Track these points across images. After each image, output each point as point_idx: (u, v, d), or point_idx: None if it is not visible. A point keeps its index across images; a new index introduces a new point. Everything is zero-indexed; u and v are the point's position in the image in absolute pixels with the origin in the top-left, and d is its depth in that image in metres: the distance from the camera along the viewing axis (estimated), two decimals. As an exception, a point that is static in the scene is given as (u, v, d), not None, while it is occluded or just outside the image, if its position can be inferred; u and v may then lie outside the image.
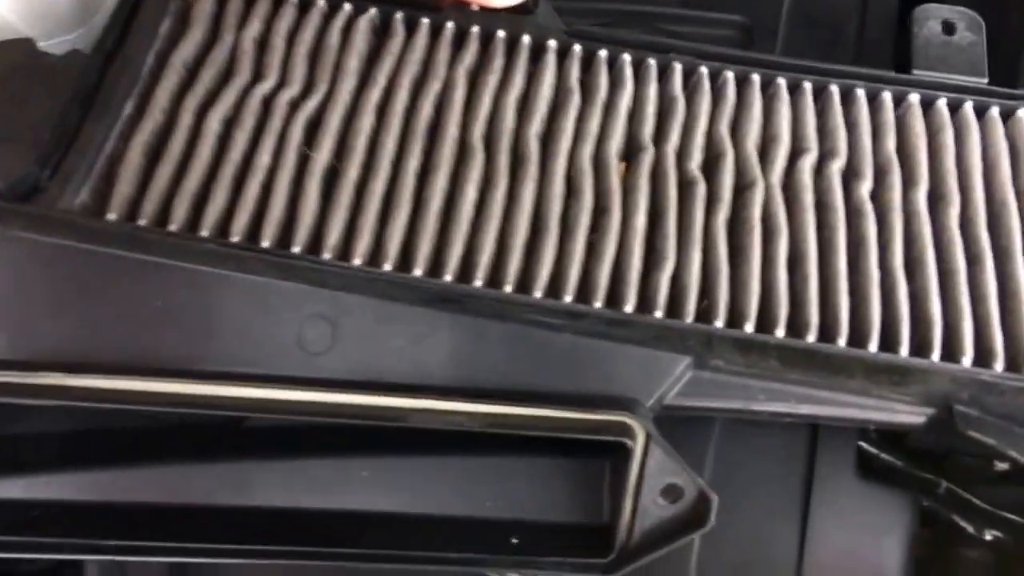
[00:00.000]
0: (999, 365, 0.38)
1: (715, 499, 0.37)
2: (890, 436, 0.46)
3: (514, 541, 0.39)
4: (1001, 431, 0.38)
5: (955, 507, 0.46)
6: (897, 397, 0.38)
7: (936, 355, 0.38)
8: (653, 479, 0.37)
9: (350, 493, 0.40)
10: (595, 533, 0.39)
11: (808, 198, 0.41)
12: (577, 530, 0.39)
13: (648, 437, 0.37)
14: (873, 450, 0.45)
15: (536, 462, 0.40)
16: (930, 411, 0.38)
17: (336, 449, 0.41)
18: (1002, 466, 0.43)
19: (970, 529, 0.47)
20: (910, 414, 0.39)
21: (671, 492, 0.37)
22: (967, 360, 0.38)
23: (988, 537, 0.47)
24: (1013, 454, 0.37)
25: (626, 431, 0.37)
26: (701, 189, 0.41)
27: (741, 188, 0.42)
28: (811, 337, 0.38)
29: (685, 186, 0.42)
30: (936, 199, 0.42)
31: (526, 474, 0.40)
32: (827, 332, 0.39)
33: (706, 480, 0.39)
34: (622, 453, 0.37)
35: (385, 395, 0.37)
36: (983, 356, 0.39)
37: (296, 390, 0.38)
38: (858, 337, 0.39)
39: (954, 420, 0.38)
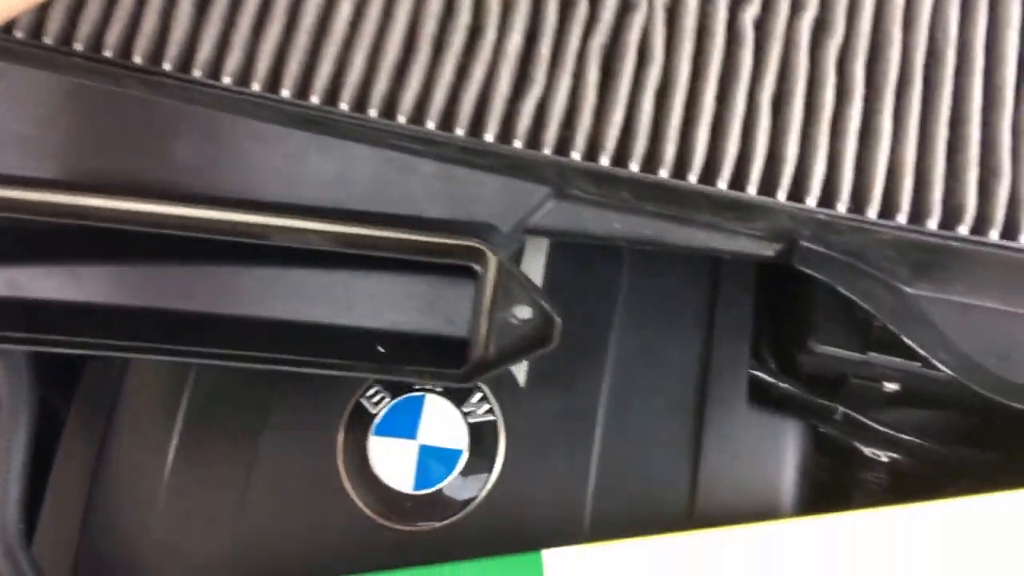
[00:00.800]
0: (843, 205, 0.38)
1: (559, 321, 0.39)
2: (787, 365, 0.47)
3: (381, 350, 0.41)
4: (840, 270, 0.38)
5: (852, 432, 0.48)
6: (746, 231, 0.39)
7: (783, 193, 0.38)
8: (505, 302, 0.39)
9: (237, 301, 0.42)
10: (455, 347, 0.40)
11: (690, 23, 0.40)
12: (439, 343, 0.41)
13: (500, 263, 0.38)
14: (769, 379, 0.46)
15: (407, 279, 0.42)
16: (778, 246, 0.39)
17: (222, 260, 0.42)
18: (891, 387, 0.44)
19: (867, 452, 0.49)
20: (759, 247, 0.39)
21: (522, 314, 0.39)
22: (812, 199, 0.38)
23: (884, 459, 0.49)
24: (842, 289, 0.38)
25: (477, 256, 0.38)
26: (582, 10, 0.41)
27: (623, 10, 0.41)
28: (664, 172, 0.39)
29: (566, 6, 0.41)
30: (820, 28, 0.41)
31: (396, 291, 0.42)
32: (681, 167, 0.39)
33: (603, 415, 0.42)
34: (484, 280, 0.39)
35: (247, 213, 0.39)
36: (830, 195, 0.39)
37: (169, 205, 0.39)
38: (711, 172, 0.39)
39: (794, 255, 0.38)
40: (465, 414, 0.44)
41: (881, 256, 0.38)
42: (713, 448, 0.43)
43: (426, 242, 0.38)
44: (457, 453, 0.43)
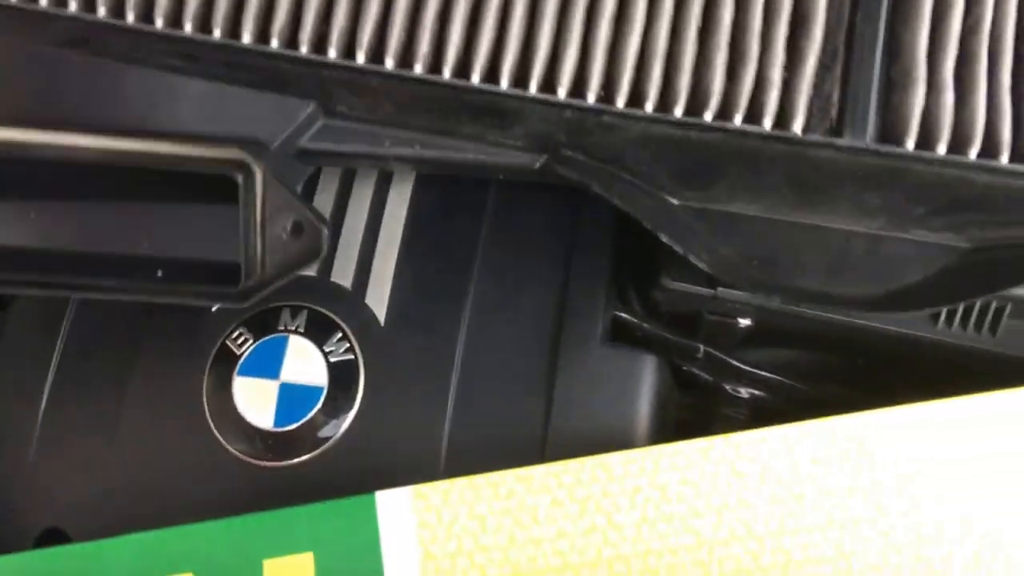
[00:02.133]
0: (592, 95, 0.39)
1: (326, 229, 0.40)
2: (647, 305, 0.48)
3: (160, 274, 0.42)
4: (600, 175, 0.39)
5: (714, 370, 0.49)
6: (508, 142, 0.40)
7: (535, 84, 0.39)
8: (276, 216, 0.40)
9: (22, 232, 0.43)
10: (235, 268, 0.41)
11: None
12: (219, 266, 0.42)
13: (266, 175, 0.39)
14: (634, 320, 0.47)
15: (187, 208, 0.44)
16: (541, 157, 0.40)
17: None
18: (744, 322, 0.45)
19: (728, 389, 0.50)
20: (524, 160, 0.40)
21: (293, 228, 0.40)
22: (563, 90, 0.39)
23: (745, 395, 0.50)
24: (602, 192, 0.39)
25: (242, 168, 0.39)
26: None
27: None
28: (419, 67, 0.40)
29: None
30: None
31: (177, 218, 0.44)
32: (437, 62, 0.40)
33: (460, 354, 0.44)
34: (251, 195, 0.39)
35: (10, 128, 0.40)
36: (580, 86, 0.39)
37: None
38: (464, 67, 0.40)
39: (552, 161, 0.39)
40: (326, 353, 0.45)
41: (639, 160, 0.39)
42: (566, 385, 0.44)
43: (189, 155, 0.39)
44: (318, 391, 0.44)
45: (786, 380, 0.49)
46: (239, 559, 0.38)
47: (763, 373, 0.49)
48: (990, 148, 0.38)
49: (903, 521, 0.38)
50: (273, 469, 0.44)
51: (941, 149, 0.38)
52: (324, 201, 0.47)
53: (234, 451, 0.44)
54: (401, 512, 0.38)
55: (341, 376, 0.45)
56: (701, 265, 0.39)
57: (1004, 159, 0.38)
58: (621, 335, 0.47)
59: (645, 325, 0.48)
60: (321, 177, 0.48)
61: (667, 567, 0.38)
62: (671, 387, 0.47)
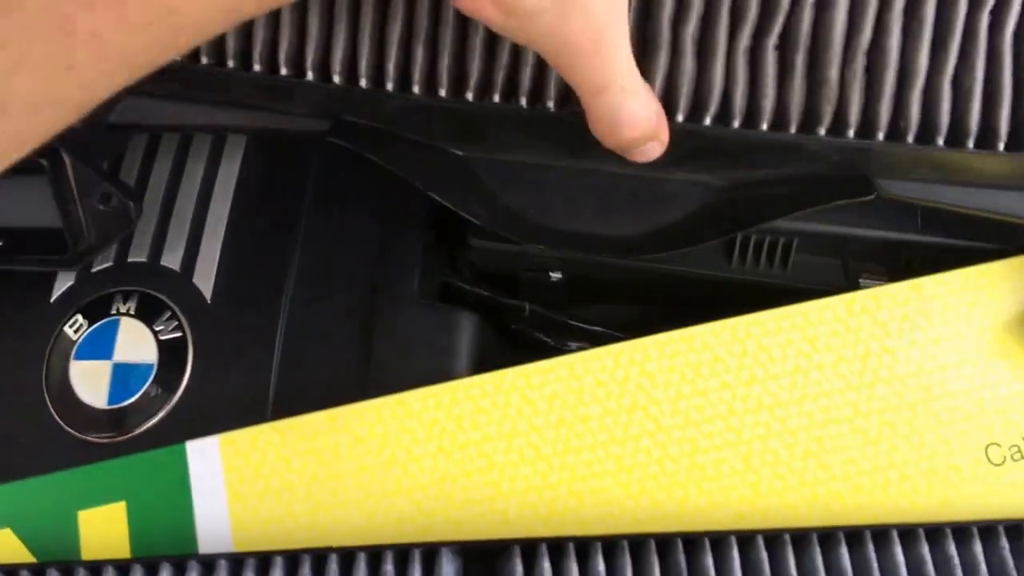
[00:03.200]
0: (364, 80, 0.43)
1: (132, 205, 0.44)
2: (468, 267, 0.51)
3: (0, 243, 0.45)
4: (375, 139, 0.43)
5: (542, 327, 0.52)
6: (295, 110, 0.44)
7: (310, 75, 0.43)
8: (89, 190, 0.43)
9: None
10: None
11: None
12: (53, 234, 0.45)
13: (70, 157, 0.43)
14: (463, 284, 0.50)
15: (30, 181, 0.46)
16: (326, 122, 0.43)
17: None
18: (556, 275, 0.49)
19: (553, 343, 0.53)
20: (310, 124, 0.44)
21: (104, 199, 0.43)
22: (337, 79, 0.43)
23: (575, 349, 0.53)
24: (372, 157, 0.42)
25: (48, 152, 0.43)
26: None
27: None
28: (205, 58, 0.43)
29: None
30: None
31: (22, 193, 0.46)
32: (220, 59, 0.43)
33: (283, 326, 0.46)
34: (61, 173, 0.43)
35: None
36: (352, 76, 0.43)
37: None
38: (246, 58, 0.43)
39: (335, 127, 0.43)
40: (156, 332, 0.47)
41: (415, 122, 0.42)
42: (383, 346, 0.46)
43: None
44: (148, 368, 0.47)
45: (610, 332, 0.52)
46: (54, 512, 0.40)
47: (589, 327, 0.51)
48: (723, 115, 0.42)
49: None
50: (109, 445, 0.46)
51: (680, 116, 0.42)
52: (156, 185, 0.50)
53: (72, 431, 0.46)
54: (210, 459, 0.41)
55: (171, 353, 0.47)
56: (473, 219, 0.42)
57: (736, 123, 0.42)
58: (453, 300, 0.49)
59: (473, 289, 0.50)
60: (155, 164, 0.51)
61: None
62: (494, 344, 0.50)
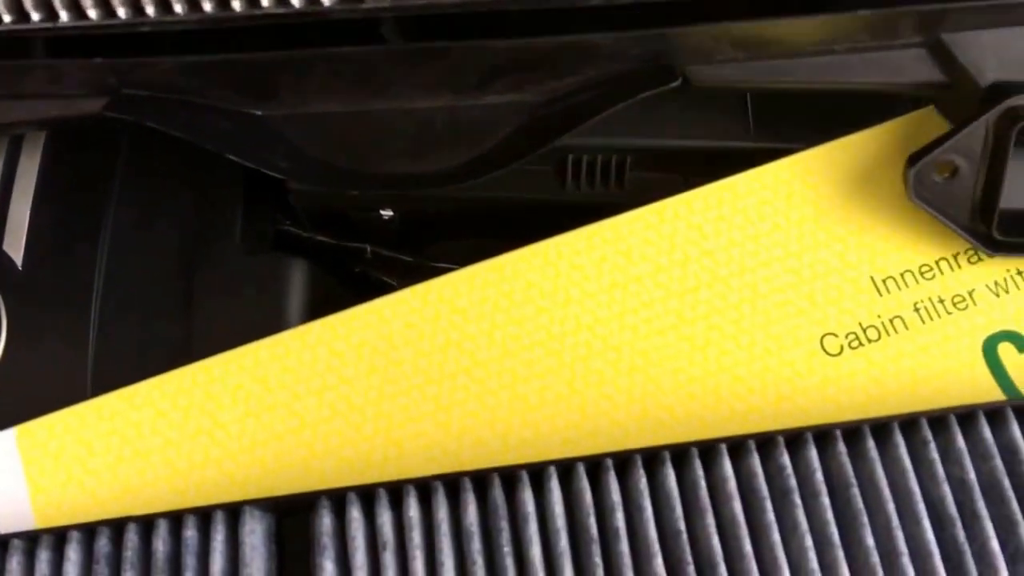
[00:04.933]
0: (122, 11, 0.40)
1: None
2: (302, 213, 0.49)
3: None
4: (164, 109, 0.41)
5: (384, 268, 0.50)
6: (69, 93, 0.41)
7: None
8: None
9: None
10: None
11: None
12: None
13: None
14: (299, 231, 0.49)
15: None
16: (103, 99, 0.41)
17: None
18: (386, 213, 0.47)
19: (397, 284, 0.50)
20: (87, 105, 0.42)
21: None
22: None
23: None
24: (162, 127, 0.40)
25: None
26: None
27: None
28: None
29: None
30: None
31: None
32: None
33: (100, 286, 0.44)
34: None
35: None
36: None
37: None
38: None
39: (114, 103, 0.41)
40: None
41: (197, 86, 0.40)
42: (205, 301, 0.44)
43: None
44: None
45: (454, 267, 0.50)
46: None
47: (434, 264, 0.50)
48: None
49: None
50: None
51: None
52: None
53: None
54: (7, 453, 0.39)
55: None
56: (280, 175, 0.40)
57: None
58: (290, 248, 0.48)
59: (307, 235, 0.49)
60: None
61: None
62: (335, 290, 0.48)
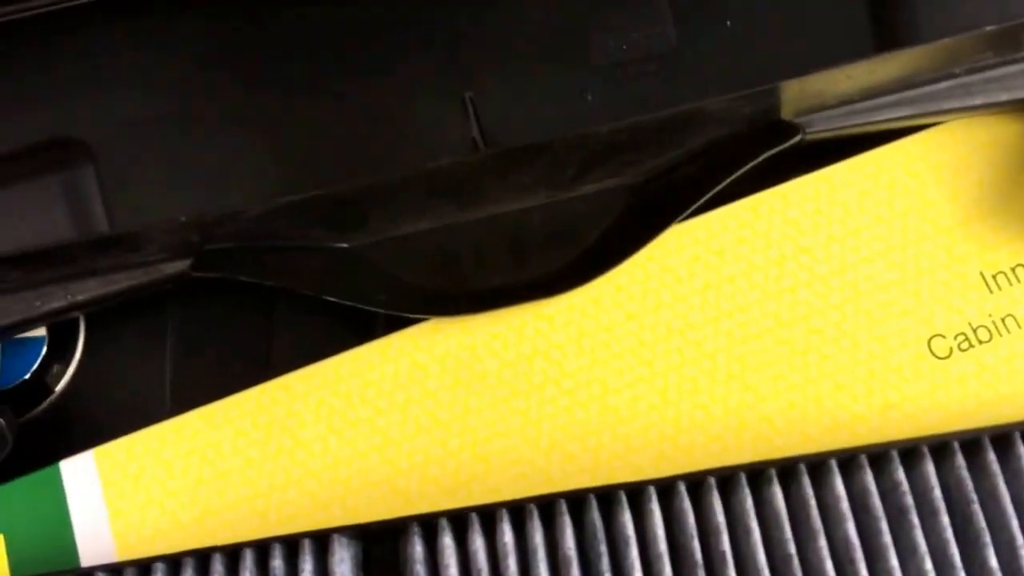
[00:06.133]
0: None
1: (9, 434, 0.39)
2: None
3: None
4: (247, 257, 0.39)
5: None
6: (152, 259, 0.39)
7: None
8: None
9: None
10: None
11: None
12: None
13: None
14: None
15: None
16: (187, 261, 0.39)
17: None
18: None
19: None
20: (172, 267, 0.40)
21: None
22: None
23: None
24: (253, 280, 0.38)
25: None
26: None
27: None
28: None
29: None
30: None
31: None
32: None
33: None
34: None
35: None
36: None
37: None
38: None
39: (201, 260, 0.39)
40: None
41: (282, 226, 0.38)
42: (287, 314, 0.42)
43: None
44: (39, 342, 0.43)
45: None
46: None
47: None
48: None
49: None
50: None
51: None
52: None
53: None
54: (86, 475, 0.38)
55: (61, 328, 0.43)
56: (381, 308, 0.38)
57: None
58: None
59: None
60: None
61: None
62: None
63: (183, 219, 0.37)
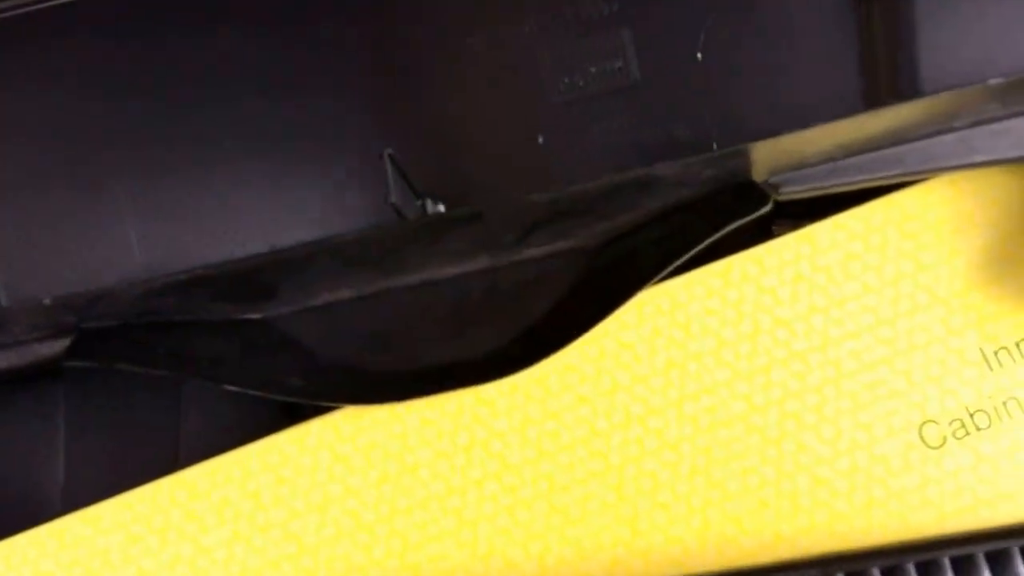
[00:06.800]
0: None
1: None
2: None
3: None
4: (130, 338, 0.34)
5: None
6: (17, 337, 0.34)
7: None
8: None
9: None
10: None
11: None
12: None
13: None
14: None
15: None
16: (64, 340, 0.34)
17: None
18: None
19: None
20: (44, 347, 0.34)
21: None
22: None
23: None
24: (129, 367, 0.33)
25: None
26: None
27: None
28: None
29: None
30: None
31: None
32: None
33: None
34: None
35: None
36: None
37: None
38: None
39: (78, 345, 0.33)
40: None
41: (169, 305, 0.32)
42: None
43: None
44: None
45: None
46: None
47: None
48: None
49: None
50: None
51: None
52: None
53: None
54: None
55: None
56: (295, 398, 0.32)
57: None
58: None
59: None
60: None
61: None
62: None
63: (47, 302, 0.31)
